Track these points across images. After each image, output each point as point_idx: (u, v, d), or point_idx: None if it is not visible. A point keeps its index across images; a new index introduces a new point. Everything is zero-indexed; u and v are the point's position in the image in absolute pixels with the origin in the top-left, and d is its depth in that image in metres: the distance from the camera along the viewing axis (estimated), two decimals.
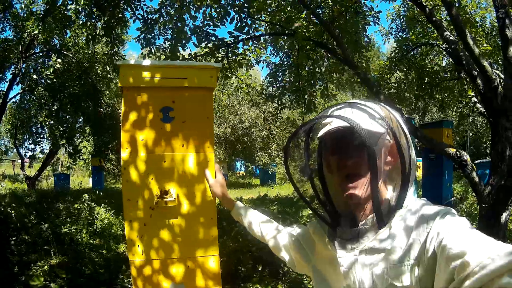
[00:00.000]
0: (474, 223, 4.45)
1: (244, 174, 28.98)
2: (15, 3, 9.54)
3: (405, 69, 8.47)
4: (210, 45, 5.80)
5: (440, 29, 4.39)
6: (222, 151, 21.44)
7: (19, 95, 12.90)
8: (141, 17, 5.79)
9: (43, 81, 10.51)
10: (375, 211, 1.02)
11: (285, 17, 5.74)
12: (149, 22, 5.80)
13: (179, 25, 5.66)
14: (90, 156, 18.55)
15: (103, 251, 5.65)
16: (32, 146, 13.25)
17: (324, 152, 1.16)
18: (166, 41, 6.08)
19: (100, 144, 11.20)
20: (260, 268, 4.70)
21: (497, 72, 4.23)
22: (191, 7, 5.53)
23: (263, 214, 1.73)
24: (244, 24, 5.65)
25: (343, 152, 1.07)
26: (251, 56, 7.51)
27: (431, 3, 7.11)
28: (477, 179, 3.67)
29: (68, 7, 6.34)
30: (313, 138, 1.17)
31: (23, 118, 13.42)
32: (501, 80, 3.74)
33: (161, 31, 6.04)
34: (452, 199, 8.38)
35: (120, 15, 5.64)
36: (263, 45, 7.81)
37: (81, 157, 12.10)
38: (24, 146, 16.01)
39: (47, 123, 10.12)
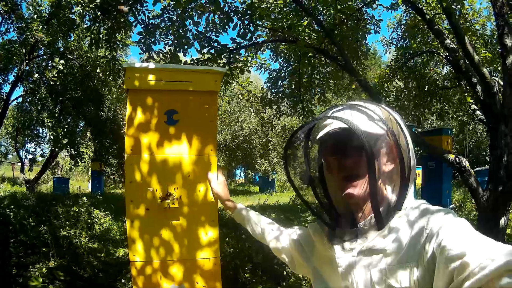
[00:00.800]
0: None
1: (244, 181, 28.92)
2: (20, 3, 9.54)
3: (405, 77, 8.50)
4: (212, 51, 5.82)
5: (441, 37, 4.43)
6: (222, 158, 21.35)
7: (21, 97, 12.92)
8: (142, 22, 5.80)
9: (45, 82, 10.49)
10: (374, 212, 1.02)
11: (288, 24, 5.78)
12: (150, 27, 5.81)
13: (180, 31, 5.69)
14: (90, 160, 18.51)
15: (102, 255, 5.64)
16: (32, 148, 13.24)
17: (324, 153, 1.17)
18: (166, 46, 6.09)
19: (101, 148, 11.18)
20: (260, 273, 4.69)
21: (496, 79, 4.26)
22: (194, 13, 5.55)
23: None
24: (247, 30, 5.68)
25: (342, 153, 1.07)
26: (252, 62, 7.55)
27: (432, 12, 7.16)
28: (475, 185, 3.68)
29: (73, 10, 6.37)
30: (314, 139, 1.18)
31: (25, 121, 13.41)
32: (500, 87, 3.77)
33: (162, 36, 6.05)
34: (451, 206, 8.37)
35: (123, 19, 5.65)
36: (263, 51, 7.87)
37: (83, 160, 12.06)
38: (24, 149, 15.99)
39: (48, 123, 10.08)
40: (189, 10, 5.44)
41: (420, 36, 7.99)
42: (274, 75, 7.96)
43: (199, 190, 2.13)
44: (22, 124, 13.63)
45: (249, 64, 7.07)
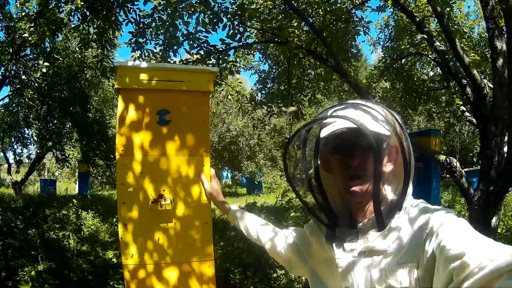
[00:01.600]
0: None
1: (231, 183, 28.93)
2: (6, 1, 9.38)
3: (392, 78, 8.56)
4: (201, 51, 5.79)
5: (431, 39, 4.47)
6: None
7: (7, 97, 12.69)
8: (133, 21, 5.76)
9: (32, 83, 10.33)
10: (375, 212, 1.02)
11: (277, 25, 5.77)
12: (141, 26, 5.77)
13: (171, 30, 5.65)
14: (76, 162, 18.29)
15: (91, 257, 5.58)
16: (19, 150, 13.04)
17: (324, 152, 1.16)
18: (157, 46, 6.06)
19: (88, 149, 11.05)
20: (251, 275, 4.68)
21: (485, 81, 4.32)
22: (184, 12, 5.52)
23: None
24: (236, 31, 5.66)
25: (348, 153, 1.07)
26: (241, 63, 7.53)
27: (421, 14, 7.22)
28: (466, 185, 3.73)
29: (61, 9, 6.27)
30: (318, 138, 1.16)
31: (11, 122, 13.18)
32: (490, 89, 3.83)
33: (153, 36, 6.02)
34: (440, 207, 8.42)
35: (113, 18, 5.59)
36: (253, 53, 7.86)
37: (69, 165, 11.91)
38: (10, 150, 15.73)
39: (34, 125, 9.93)
40: (179, 9, 5.42)
41: (408, 37, 8.06)
42: (263, 76, 7.96)
43: (192, 192, 2.10)
44: (8, 125, 13.38)
45: (238, 65, 7.04)
